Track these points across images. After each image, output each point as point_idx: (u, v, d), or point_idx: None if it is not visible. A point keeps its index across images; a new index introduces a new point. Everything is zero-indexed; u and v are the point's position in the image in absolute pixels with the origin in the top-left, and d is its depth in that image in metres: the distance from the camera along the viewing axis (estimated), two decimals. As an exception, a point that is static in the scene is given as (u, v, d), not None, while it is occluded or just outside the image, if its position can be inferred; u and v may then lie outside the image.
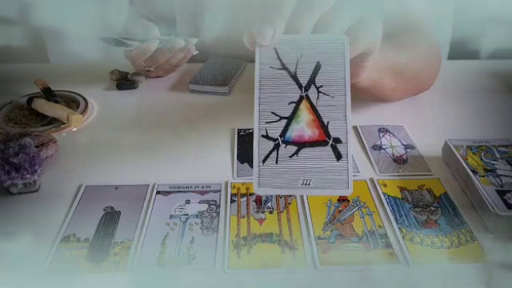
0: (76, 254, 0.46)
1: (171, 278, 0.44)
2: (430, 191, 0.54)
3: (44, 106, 0.72)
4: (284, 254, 0.46)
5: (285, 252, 0.46)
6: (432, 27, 0.74)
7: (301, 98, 0.39)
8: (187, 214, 0.51)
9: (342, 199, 0.53)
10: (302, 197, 0.53)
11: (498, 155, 0.57)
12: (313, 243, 0.47)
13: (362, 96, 0.66)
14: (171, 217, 0.51)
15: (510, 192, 0.50)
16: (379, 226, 0.49)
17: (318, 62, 0.39)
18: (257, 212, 0.51)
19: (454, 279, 0.44)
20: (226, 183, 0.56)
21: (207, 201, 0.53)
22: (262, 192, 0.38)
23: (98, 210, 0.52)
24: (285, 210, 0.52)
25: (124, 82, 0.82)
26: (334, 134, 0.38)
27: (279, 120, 0.38)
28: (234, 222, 0.50)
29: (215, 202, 0.53)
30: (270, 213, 0.51)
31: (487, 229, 0.49)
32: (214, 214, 0.51)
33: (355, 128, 0.67)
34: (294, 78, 0.39)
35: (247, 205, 0.52)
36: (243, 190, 0.55)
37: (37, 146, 0.58)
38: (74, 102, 0.76)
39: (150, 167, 0.60)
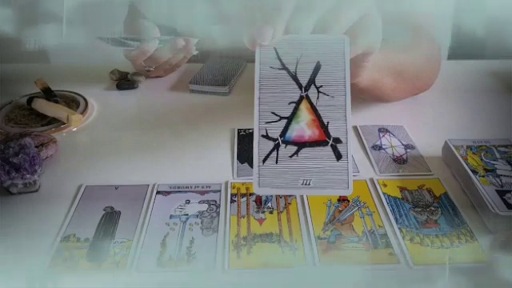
0: (76, 254, 0.46)
1: (171, 277, 0.44)
2: (430, 191, 0.54)
3: (44, 106, 0.72)
4: (284, 254, 0.46)
5: (285, 252, 0.46)
6: (432, 27, 0.74)
7: (301, 98, 0.39)
8: (187, 214, 0.51)
9: (342, 199, 0.53)
10: (301, 197, 0.53)
11: (498, 155, 0.57)
12: (313, 243, 0.47)
13: (362, 96, 0.66)
14: (171, 217, 0.51)
15: (510, 192, 0.50)
16: (379, 226, 0.49)
17: (318, 62, 0.39)
18: (257, 212, 0.51)
19: (454, 279, 0.44)
20: (226, 183, 0.56)
21: (207, 201, 0.53)
22: (262, 192, 0.38)
23: (98, 210, 0.52)
24: (285, 210, 0.52)
25: (124, 82, 0.82)
26: (334, 134, 0.38)
27: (279, 120, 0.38)
28: (233, 222, 0.50)
29: (215, 202, 0.53)
30: (270, 213, 0.51)
31: (487, 229, 0.49)
32: (214, 214, 0.51)
33: (355, 128, 0.67)
34: (294, 77, 0.39)
35: (247, 205, 0.52)
36: (243, 190, 0.55)
37: (37, 146, 0.58)
38: (73, 102, 0.76)
39: (150, 167, 0.60)
